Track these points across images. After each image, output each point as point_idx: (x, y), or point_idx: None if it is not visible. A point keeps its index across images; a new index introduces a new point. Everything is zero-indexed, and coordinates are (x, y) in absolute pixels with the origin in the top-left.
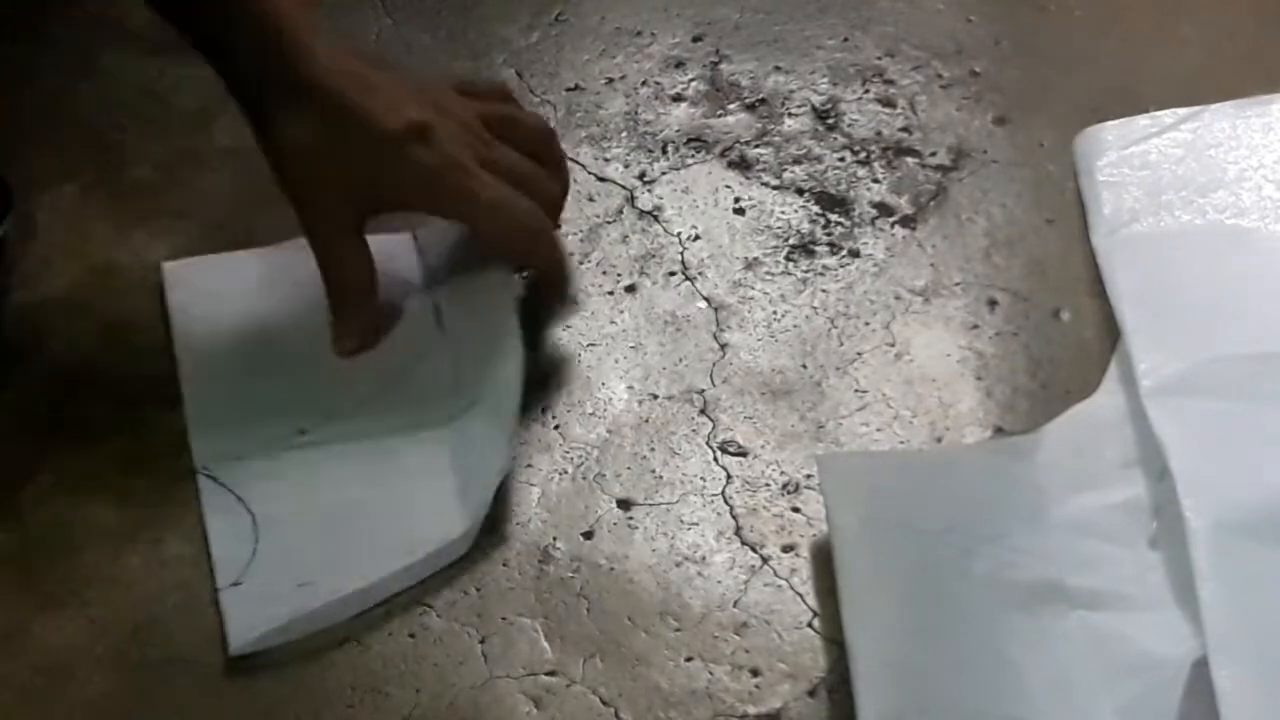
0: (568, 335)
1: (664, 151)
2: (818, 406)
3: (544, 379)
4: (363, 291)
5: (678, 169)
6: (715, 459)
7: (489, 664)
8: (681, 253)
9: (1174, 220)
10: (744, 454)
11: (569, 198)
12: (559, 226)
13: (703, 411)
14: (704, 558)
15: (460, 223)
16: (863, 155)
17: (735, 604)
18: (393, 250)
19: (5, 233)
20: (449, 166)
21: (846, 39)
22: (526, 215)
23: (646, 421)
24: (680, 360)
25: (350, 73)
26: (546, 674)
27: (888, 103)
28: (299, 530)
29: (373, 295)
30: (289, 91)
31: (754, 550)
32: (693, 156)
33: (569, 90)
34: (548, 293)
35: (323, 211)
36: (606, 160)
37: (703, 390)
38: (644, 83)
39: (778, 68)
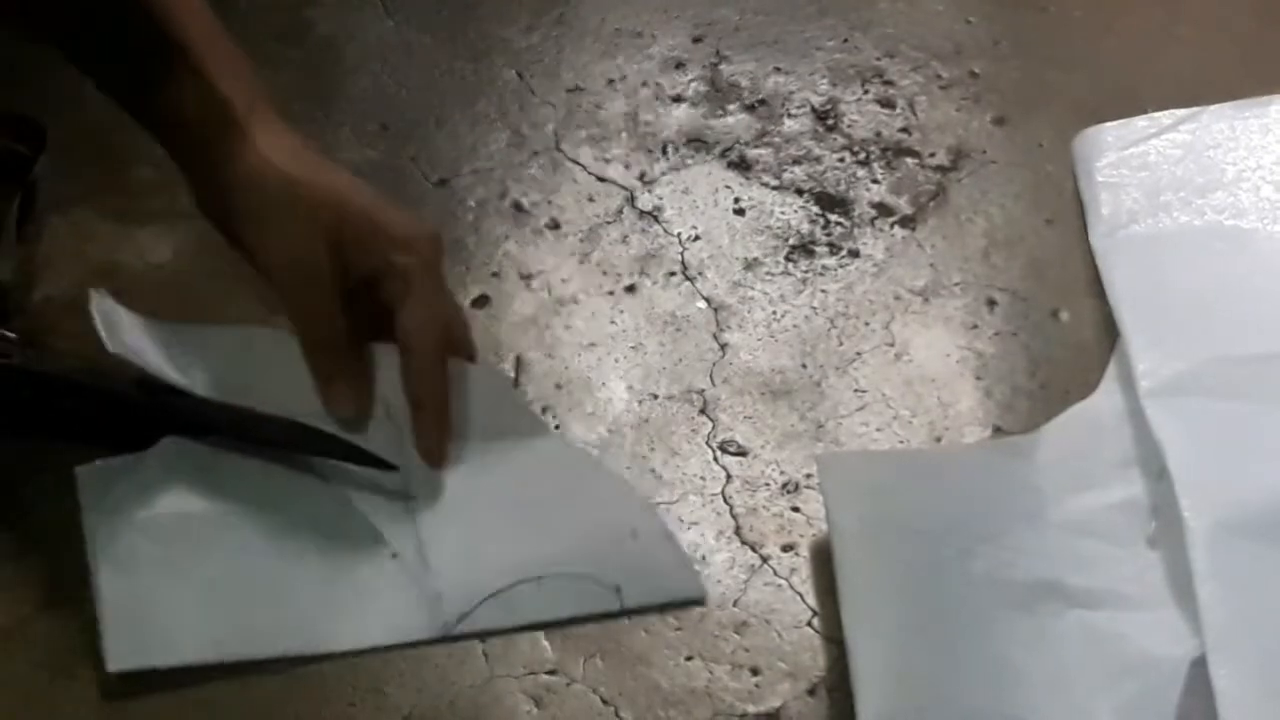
0: (568, 335)
1: (664, 152)
2: (818, 406)
3: (544, 379)
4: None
5: (678, 169)
6: (715, 459)
7: (489, 663)
8: (681, 253)
9: (1173, 221)
10: (744, 454)
11: (570, 197)
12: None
13: (703, 411)
14: (704, 557)
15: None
16: (862, 156)
17: (735, 603)
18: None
19: (36, 175)
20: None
21: (846, 40)
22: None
23: (646, 421)
24: (680, 360)
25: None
26: (547, 673)
27: (887, 103)
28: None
29: (342, 349)
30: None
31: (754, 550)
32: (693, 157)
33: (569, 91)
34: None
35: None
36: (606, 161)
37: (703, 390)
38: (644, 83)
39: (778, 69)
